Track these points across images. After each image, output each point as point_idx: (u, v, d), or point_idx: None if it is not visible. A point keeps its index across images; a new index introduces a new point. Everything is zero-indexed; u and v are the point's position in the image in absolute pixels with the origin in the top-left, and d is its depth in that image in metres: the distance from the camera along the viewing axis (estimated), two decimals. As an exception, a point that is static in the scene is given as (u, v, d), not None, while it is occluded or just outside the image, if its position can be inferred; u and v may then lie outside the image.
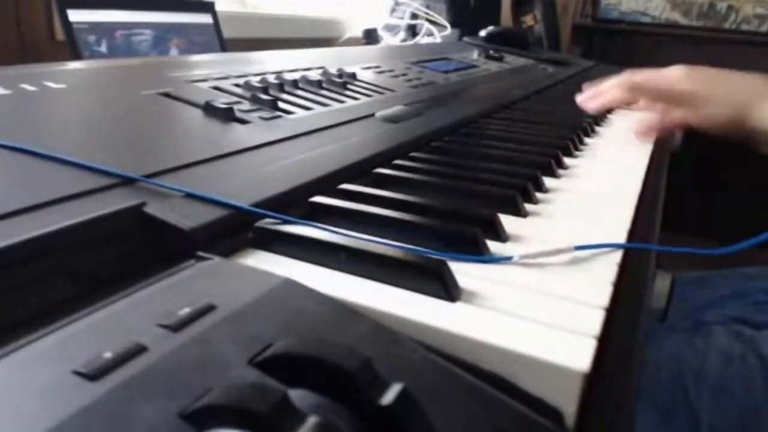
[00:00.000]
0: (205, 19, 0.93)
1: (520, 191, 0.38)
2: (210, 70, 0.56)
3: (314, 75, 0.61)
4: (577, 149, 0.58)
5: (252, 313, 0.20)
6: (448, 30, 1.45)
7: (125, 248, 0.26)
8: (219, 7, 0.96)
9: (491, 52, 1.17)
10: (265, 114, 0.46)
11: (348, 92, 0.59)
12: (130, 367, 0.17)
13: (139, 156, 0.34)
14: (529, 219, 0.36)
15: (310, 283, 0.23)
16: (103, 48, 0.77)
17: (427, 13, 1.47)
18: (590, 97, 0.72)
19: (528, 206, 0.38)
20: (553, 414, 0.20)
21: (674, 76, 0.64)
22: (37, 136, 0.33)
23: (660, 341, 0.64)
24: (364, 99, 0.58)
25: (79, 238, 0.24)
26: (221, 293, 0.21)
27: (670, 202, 0.59)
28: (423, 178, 0.41)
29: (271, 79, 0.56)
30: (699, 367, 0.60)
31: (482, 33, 1.38)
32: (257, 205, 0.29)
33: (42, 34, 0.82)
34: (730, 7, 2.02)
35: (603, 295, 0.26)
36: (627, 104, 0.73)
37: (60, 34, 0.78)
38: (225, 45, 0.95)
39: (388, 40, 1.48)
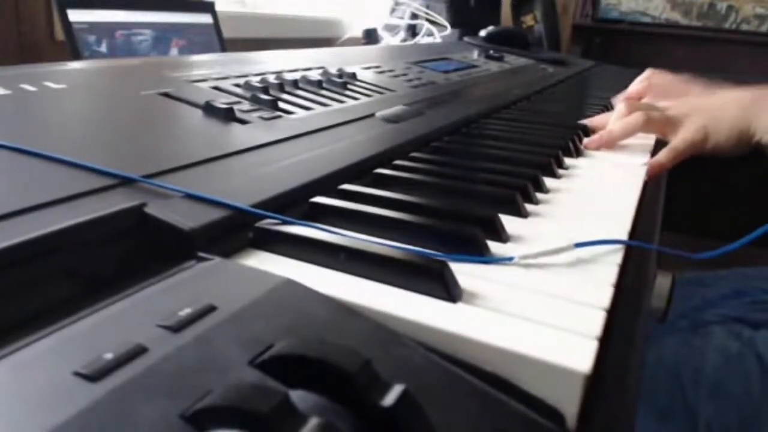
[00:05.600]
0: (205, 19, 0.93)
1: (521, 191, 0.38)
2: (210, 70, 0.56)
3: (314, 75, 0.61)
4: (577, 149, 0.57)
5: (252, 314, 0.20)
6: (448, 30, 1.45)
7: (126, 249, 0.26)
8: (219, 7, 0.96)
9: (491, 52, 1.18)
10: (265, 114, 0.46)
11: (348, 92, 0.59)
12: (131, 368, 0.16)
13: (139, 156, 0.34)
14: (529, 219, 0.36)
15: (310, 283, 0.23)
16: (103, 48, 0.77)
17: (427, 13, 1.47)
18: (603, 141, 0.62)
19: (528, 206, 0.38)
20: (554, 415, 0.20)
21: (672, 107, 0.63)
22: (37, 137, 0.33)
23: (659, 341, 0.64)
24: (364, 99, 0.58)
25: (80, 239, 0.24)
26: (222, 294, 0.21)
27: (671, 202, 0.59)
28: (423, 178, 0.41)
29: (271, 79, 0.56)
30: (697, 367, 0.60)
31: (482, 33, 1.38)
32: (257, 205, 0.29)
33: (42, 34, 0.82)
34: (730, 7, 2.02)
35: (604, 296, 0.26)
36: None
37: (60, 34, 0.78)
38: (225, 45, 0.95)
39: (388, 40, 1.48)
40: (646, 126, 0.60)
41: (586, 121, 0.68)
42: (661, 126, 0.61)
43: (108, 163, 0.30)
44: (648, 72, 0.83)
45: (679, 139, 0.59)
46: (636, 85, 0.83)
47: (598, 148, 0.59)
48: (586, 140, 0.60)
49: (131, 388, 0.16)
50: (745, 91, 0.62)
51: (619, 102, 0.64)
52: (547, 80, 1.06)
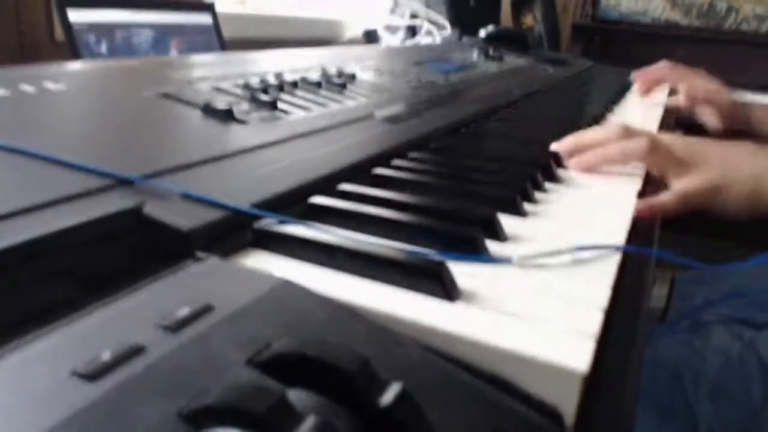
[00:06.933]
0: (205, 19, 0.93)
1: (520, 191, 0.38)
2: (210, 71, 0.56)
3: (314, 75, 0.61)
4: (576, 149, 0.57)
5: (250, 314, 0.20)
6: (448, 30, 1.45)
7: (124, 249, 0.26)
8: (219, 7, 0.96)
9: (491, 52, 1.18)
10: (265, 114, 0.46)
11: (347, 92, 0.59)
12: (129, 367, 0.17)
13: (138, 157, 0.34)
14: (528, 218, 0.36)
15: (309, 283, 0.23)
16: (103, 48, 0.77)
17: (427, 13, 1.47)
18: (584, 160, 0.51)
19: (528, 206, 0.38)
20: (553, 414, 0.20)
21: (676, 144, 0.52)
22: (36, 137, 0.33)
23: (659, 341, 0.64)
24: (363, 99, 0.58)
25: (78, 240, 0.24)
26: (220, 294, 0.21)
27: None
28: (422, 178, 0.41)
29: (271, 79, 0.56)
30: (697, 368, 0.60)
31: (482, 33, 1.38)
32: (256, 205, 0.29)
33: (42, 34, 0.82)
34: (730, 7, 2.02)
35: (602, 295, 0.26)
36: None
37: (60, 34, 0.78)
38: (225, 45, 0.95)
39: (388, 40, 1.48)
40: (650, 155, 0.49)
41: (569, 141, 0.52)
42: (665, 161, 0.50)
43: (107, 164, 0.30)
44: (663, 63, 0.86)
45: (689, 186, 0.48)
46: (657, 66, 0.87)
47: (584, 170, 0.49)
48: (572, 160, 0.50)
49: (129, 387, 0.16)
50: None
51: (619, 126, 0.52)
52: (547, 80, 1.06)
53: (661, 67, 0.96)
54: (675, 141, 0.53)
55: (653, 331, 0.65)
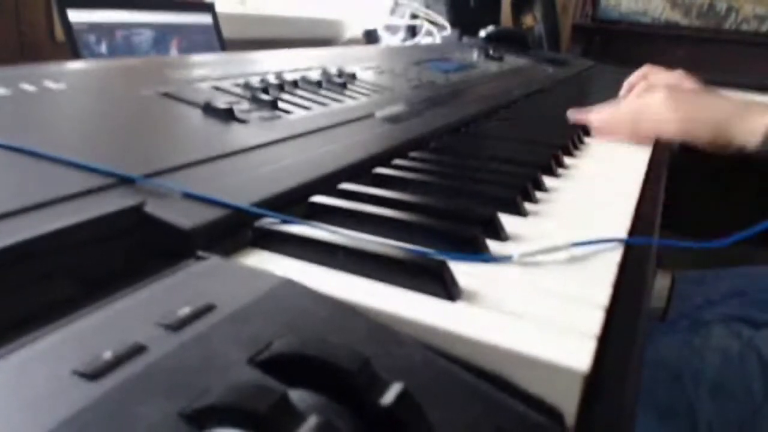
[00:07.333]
0: (205, 19, 0.93)
1: (521, 191, 0.38)
2: (210, 70, 0.56)
3: (314, 75, 0.61)
4: (577, 149, 0.58)
5: (252, 313, 0.20)
6: (448, 30, 1.45)
7: (125, 248, 0.26)
8: (219, 7, 0.96)
9: (491, 52, 1.17)
10: (265, 114, 0.46)
11: (348, 92, 0.59)
12: (130, 366, 0.16)
13: (138, 156, 0.34)
14: (529, 218, 0.36)
15: (309, 282, 0.23)
16: (103, 48, 0.77)
17: (427, 13, 1.47)
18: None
19: (528, 206, 0.38)
20: (554, 413, 0.20)
21: (655, 101, 0.66)
22: (36, 136, 0.33)
23: (659, 340, 0.64)
24: (363, 99, 0.58)
25: (79, 239, 0.24)
26: (221, 293, 0.21)
27: (671, 203, 0.59)
28: (423, 177, 0.41)
29: (271, 79, 0.56)
30: (698, 367, 0.60)
31: (482, 33, 1.38)
32: (257, 204, 0.29)
33: (42, 34, 0.82)
34: (730, 7, 2.02)
35: (603, 294, 0.26)
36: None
37: (60, 34, 0.78)
38: (225, 45, 0.95)
39: (388, 40, 1.48)
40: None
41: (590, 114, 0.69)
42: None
43: (107, 163, 0.30)
44: (645, 68, 0.87)
45: (663, 133, 0.65)
46: (633, 79, 0.89)
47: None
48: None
49: (130, 386, 0.16)
50: (733, 99, 0.67)
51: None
52: (546, 80, 1.06)
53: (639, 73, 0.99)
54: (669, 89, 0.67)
55: (653, 331, 0.65)
